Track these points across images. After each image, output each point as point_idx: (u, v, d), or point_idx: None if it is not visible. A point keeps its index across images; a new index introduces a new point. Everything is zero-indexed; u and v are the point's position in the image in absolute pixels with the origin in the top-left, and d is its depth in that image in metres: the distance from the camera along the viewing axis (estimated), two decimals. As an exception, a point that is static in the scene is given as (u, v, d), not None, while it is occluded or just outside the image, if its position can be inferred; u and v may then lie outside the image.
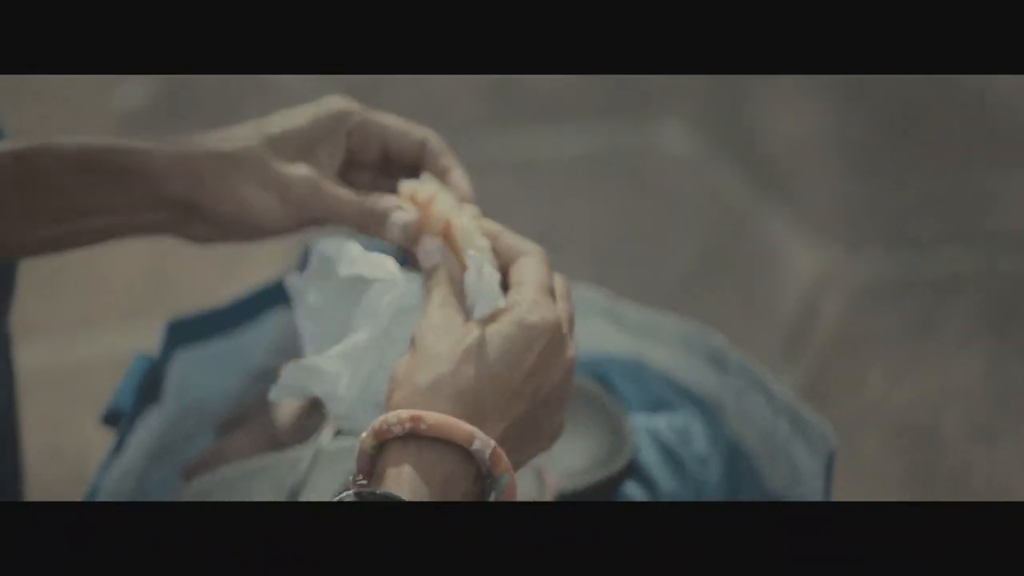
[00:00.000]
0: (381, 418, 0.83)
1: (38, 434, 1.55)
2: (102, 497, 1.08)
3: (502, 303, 0.89)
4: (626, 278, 1.85)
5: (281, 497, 1.02)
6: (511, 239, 0.93)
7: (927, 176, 2.04)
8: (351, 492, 0.80)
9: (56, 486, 1.56)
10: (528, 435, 0.87)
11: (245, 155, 0.94)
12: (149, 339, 1.25)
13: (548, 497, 1.07)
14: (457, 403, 0.84)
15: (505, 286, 0.91)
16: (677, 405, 1.20)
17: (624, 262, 1.90)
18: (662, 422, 1.18)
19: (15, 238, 0.93)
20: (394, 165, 0.99)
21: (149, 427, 1.17)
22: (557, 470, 1.10)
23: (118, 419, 1.15)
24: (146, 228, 0.96)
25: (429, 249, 0.93)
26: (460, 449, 0.83)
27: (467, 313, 0.90)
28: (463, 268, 0.92)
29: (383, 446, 0.84)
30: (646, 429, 1.17)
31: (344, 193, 0.96)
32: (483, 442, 0.82)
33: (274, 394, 0.92)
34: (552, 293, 0.90)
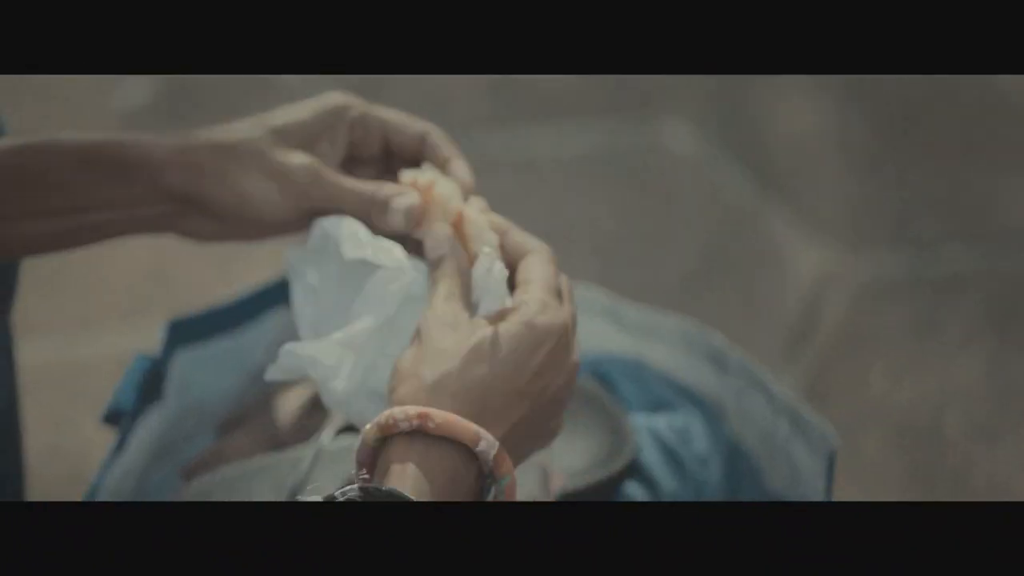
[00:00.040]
0: (387, 412, 0.82)
1: (38, 433, 1.55)
2: (103, 496, 1.08)
3: (509, 302, 0.88)
4: (627, 277, 1.85)
5: (282, 497, 1.02)
6: (518, 236, 0.92)
7: (928, 176, 2.04)
8: (356, 487, 0.80)
9: (56, 485, 1.56)
10: (528, 435, 0.87)
11: (245, 146, 0.94)
12: (149, 338, 1.25)
13: (550, 496, 1.07)
14: (463, 401, 0.83)
15: (510, 283, 0.91)
16: (678, 405, 1.20)
17: (625, 261, 1.89)
18: (662, 422, 1.18)
19: (15, 235, 0.93)
20: (396, 160, 0.99)
21: (150, 427, 1.16)
22: (559, 469, 1.10)
23: (119, 418, 1.15)
24: (146, 224, 0.95)
25: (438, 239, 0.92)
26: (465, 448, 0.83)
27: (471, 307, 0.90)
28: (471, 261, 0.92)
29: (386, 439, 0.83)
30: (647, 429, 1.17)
31: (345, 181, 0.95)
32: (488, 443, 0.82)
33: (270, 374, 0.91)
34: (559, 294, 0.89)
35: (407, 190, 0.95)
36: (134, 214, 0.94)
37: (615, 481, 1.12)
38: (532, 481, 1.06)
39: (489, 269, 0.89)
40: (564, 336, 0.87)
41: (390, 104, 1.01)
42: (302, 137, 0.96)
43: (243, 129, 0.95)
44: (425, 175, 0.96)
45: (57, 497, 1.51)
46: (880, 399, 1.70)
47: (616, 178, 2.04)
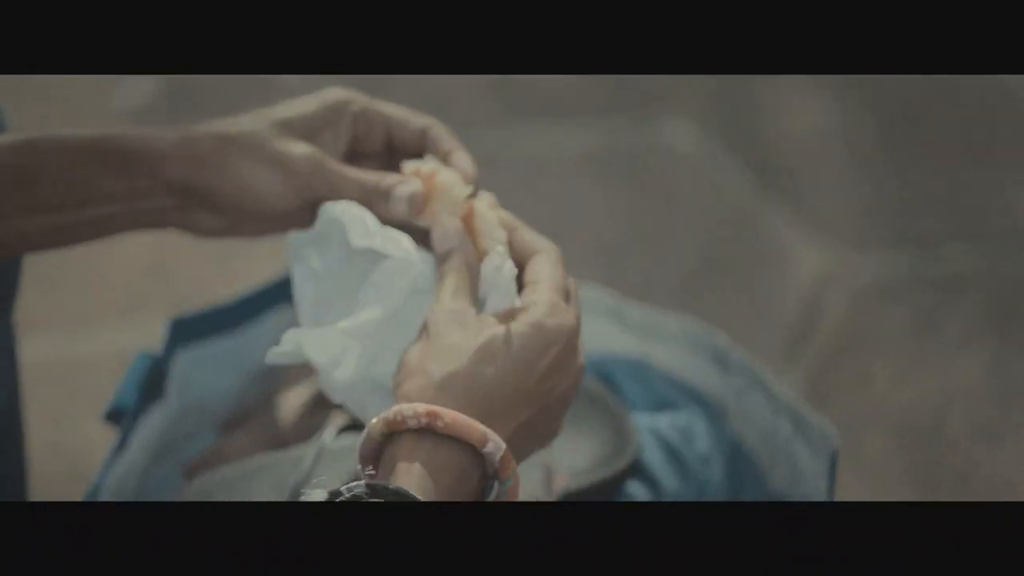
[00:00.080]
0: (395, 408, 0.82)
1: (39, 430, 1.55)
2: (104, 495, 1.08)
3: (517, 302, 0.88)
4: (630, 276, 1.85)
5: (283, 496, 1.02)
6: (527, 235, 0.92)
7: (930, 176, 2.04)
8: (362, 483, 0.80)
9: (58, 483, 1.56)
10: (530, 435, 0.87)
11: (247, 137, 0.94)
12: (150, 336, 1.25)
13: (553, 496, 1.07)
14: (470, 400, 0.83)
15: (517, 282, 0.90)
16: (680, 405, 1.20)
17: (628, 261, 1.89)
18: (665, 422, 1.18)
19: (15, 231, 0.93)
20: (398, 155, 0.99)
21: (151, 425, 1.16)
22: (562, 469, 1.10)
23: (120, 417, 1.15)
24: (147, 218, 0.95)
25: (447, 232, 0.91)
26: (471, 449, 0.82)
27: (478, 304, 0.89)
28: (479, 256, 0.91)
29: (392, 435, 0.83)
30: (649, 428, 1.17)
31: (348, 170, 0.95)
32: (496, 445, 0.82)
33: (270, 357, 0.91)
34: (567, 295, 0.89)
35: (409, 178, 0.95)
36: (135, 208, 0.94)
37: (617, 480, 1.12)
38: (535, 480, 1.06)
39: (499, 267, 0.89)
40: (572, 339, 0.87)
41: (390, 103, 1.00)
42: (305, 130, 0.95)
43: (245, 122, 0.95)
44: (428, 164, 0.96)
45: (58, 495, 1.51)
46: (881, 399, 1.70)
47: (617, 178, 2.04)
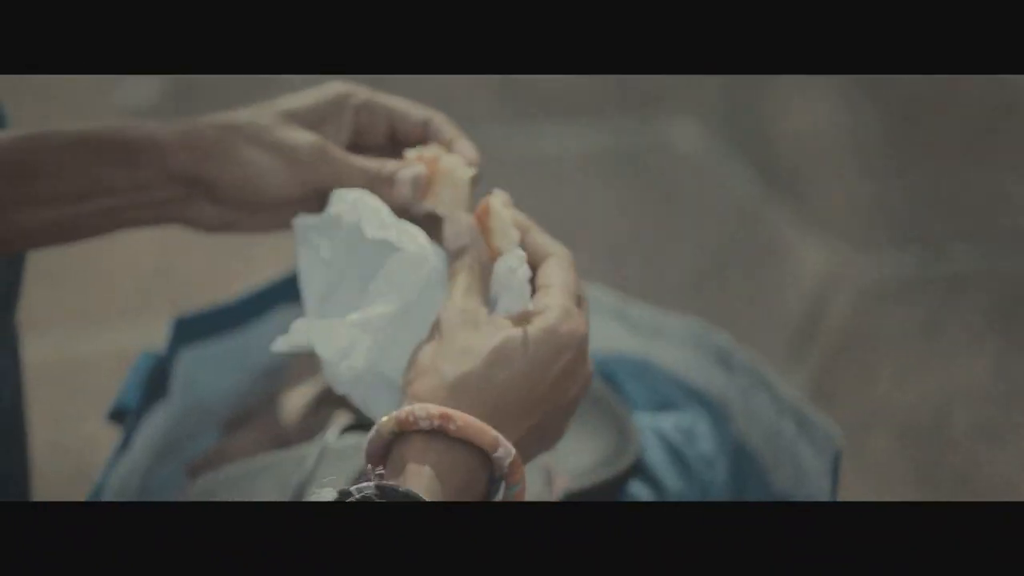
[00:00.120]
0: (408, 408, 0.82)
1: (42, 430, 1.55)
2: (107, 495, 1.08)
3: (530, 305, 0.88)
4: (633, 276, 1.85)
5: (286, 495, 1.02)
6: (539, 237, 0.91)
7: (934, 175, 2.04)
8: (372, 484, 0.79)
9: (61, 482, 1.56)
10: (536, 440, 0.87)
11: (250, 125, 0.94)
12: (154, 334, 1.25)
13: (554, 496, 1.07)
14: (482, 404, 0.83)
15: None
16: (684, 405, 1.20)
17: (632, 260, 1.89)
18: (668, 422, 1.18)
19: (16, 225, 0.93)
20: (400, 148, 0.99)
21: (155, 424, 1.17)
22: (563, 469, 1.10)
23: (124, 416, 1.15)
24: (150, 211, 0.95)
25: (460, 228, 0.91)
26: (481, 453, 0.82)
27: (488, 303, 0.89)
28: (492, 254, 0.91)
29: (401, 434, 0.83)
30: (652, 429, 1.17)
31: (350, 157, 0.95)
32: (506, 451, 0.82)
33: (277, 344, 0.90)
34: (579, 301, 0.89)
35: (412, 162, 0.95)
36: (137, 200, 0.94)
37: (619, 481, 1.12)
38: (536, 482, 1.06)
39: (514, 268, 0.88)
40: (583, 345, 0.86)
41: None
42: (307, 121, 0.96)
43: (248, 113, 0.95)
44: (431, 150, 0.96)
45: (61, 495, 1.51)
46: (885, 399, 1.70)
47: (622, 178, 2.04)
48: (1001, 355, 1.75)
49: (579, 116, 2.14)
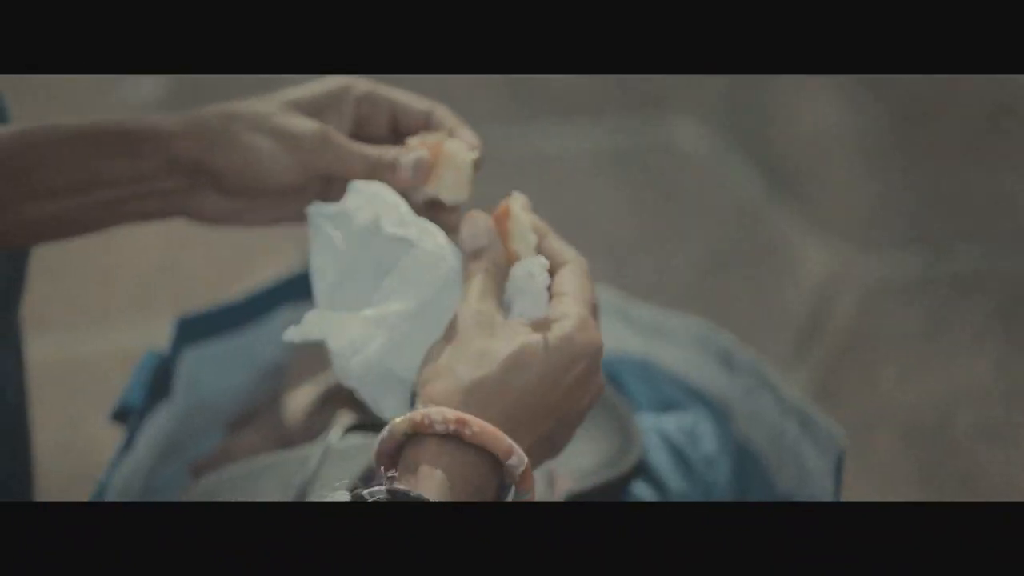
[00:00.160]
0: (423, 411, 0.81)
1: (46, 429, 1.55)
2: (111, 494, 1.08)
3: (545, 312, 0.87)
4: (637, 276, 1.85)
5: (289, 495, 1.02)
6: (556, 243, 0.91)
7: (939, 176, 2.04)
8: (383, 489, 0.79)
9: (64, 482, 1.56)
10: (545, 448, 0.86)
11: (253, 113, 0.94)
12: (160, 334, 1.25)
13: (557, 498, 1.07)
14: (497, 410, 0.83)
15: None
16: (687, 405, 1.20)
17: (635, 260, 1.89)
18: (671, 422, 1.18)
19: (20, 219, 0.93)
20: (403, 140, 0.99)
21: (158, 424, 1.17)
22: (566, 471, 1.10)
23: (127, 416, 1.15)
24: (153, 203, 0.95)
25: (478, 229, 0.90)
26: (493, 459, 0.82)
27: (503, 307, 0.88)
28: (509, 257, 0.90)
29: (414, 435, 0.82)
30: (655, 429, 1.17)
31: (353, 144, 0.95)
32: (519, 459, 0.81)
33: (288, 334, 0.90)
34: (593, 311, 0.88)
35: (415, 148, 0.95)
36: (139, 191, 0.94)
37: (623, 482, 1.12)
38: (538, 483, 1.06)
39: (533, 274, 0.88)
40: (597, 356, 0.86)
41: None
42: (310, 111, 0.96)
43: (251, 102, 0.95)
44: (433, 136, 0.96)
45: (65, 494, 1.51)
46: (889, 399, 1.70)
47: (626, 177, 2.04)
48: (1004, 355, 1.75)
49: (582, 116, 2.14)
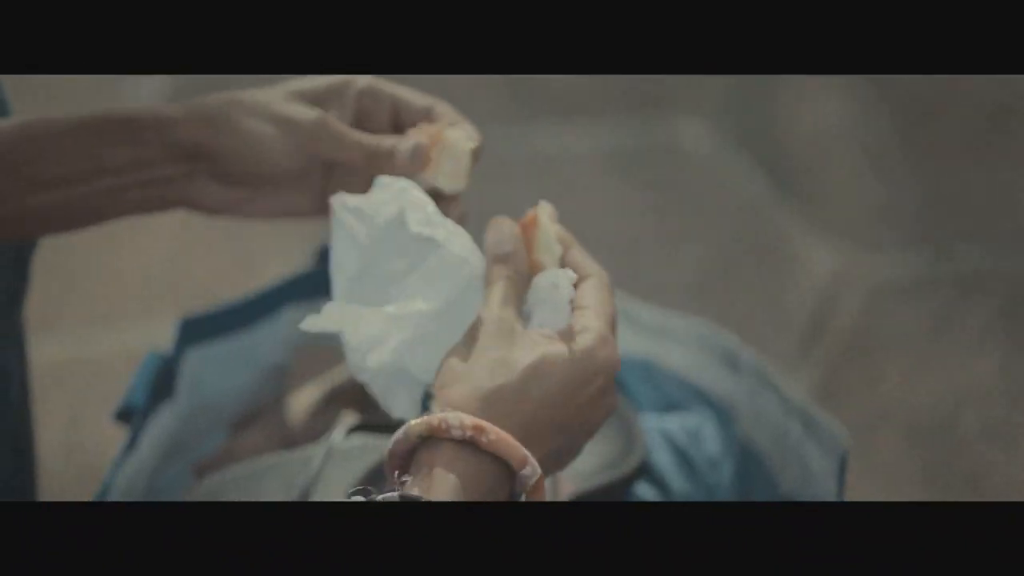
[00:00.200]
0: (440, 415, 0.81)
1: (50, 429, 1.55)
2: (114, 494, 1.08)
3: (565, 324, 0.87)
4: (642, 277, 1.85)
5: (292, 495, 1.02)
6: (579, 256, 0.91)
7: (943, 175, 2.04)
8: (396, 495, 0.79)
9: (68, 482, 1.56)
10: (553, 461, 0.86)
11: (255, 100, 0.95)
12: (164, 334, 1.25)
13: (561, 499, 1.07)
14: (514, 420, 0.82)
15: None
16: (689, 406, 1.20)
17: (640, 261, 1.89)
18: (674, 423, 1.18)
19: (24, 208, 0.93)
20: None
21: (161, 424, 1.17)
22: (568, 472, 1.10)
23: (131, 416, 1.15)
24: (154, 190, 0.95)
25: (503, 235, 0.90)
26: (507, 468, 0.82)
27: (523, 315, 0.88)
28: (532, 266, 0.90)
29: (429, 439, 0.82)
30: (658, 430, 1.17)
31: (352, 132, 0.96)
32: (532, 469, 0.81)
33: (307, 324, 0.89)
34: (613, 326, 0.88)
35: (413, 134, 0.96)
36: (141, 178, 0.94)
37: (626, 483, 1.11)
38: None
39: (557, 285, 0.87)
40: (613, 374, 0.86)
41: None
42: (311, 101, 0.97)
43: (254, 91, 0.96)
44: (434, 125, 0.96)
45: (69, 494, 1.51)
46: (893, 399, 1.70)
47: (630, 178, 2.04)
48: (1008, 355, 1.75)
49: (582, 116, 2.14)
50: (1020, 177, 2.03)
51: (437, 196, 0.96)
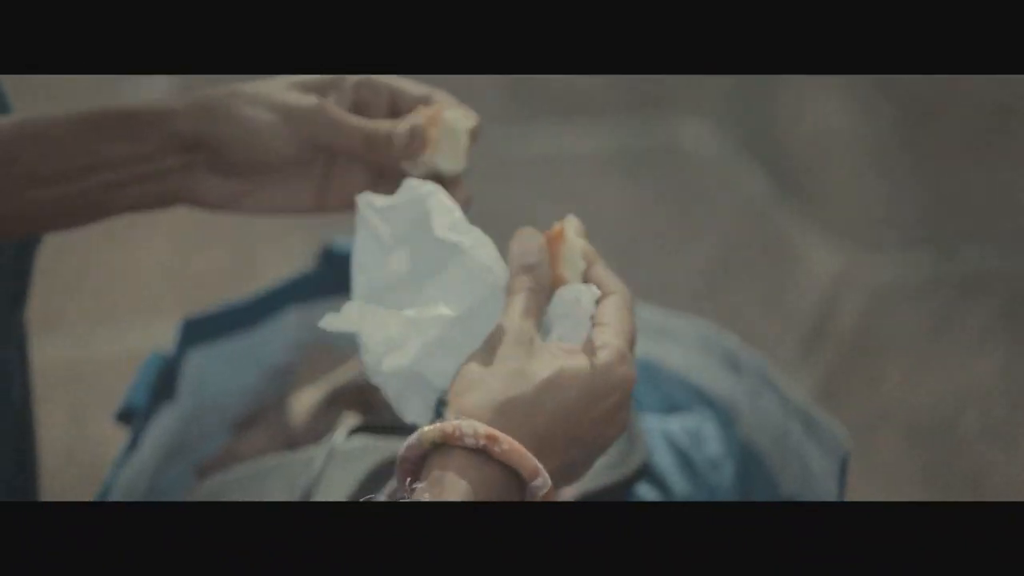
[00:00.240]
0: (455, 423, 0.81)
1: (52, 430, 1.56)
2: (115, 495, 1.08)
3: (584, 339, 0.87)
4: (642, 277, 1.85)
5: (294, 496, 1.02)
6: (602, 271, 0.91)
7: (946, 176, 2.04)
8: (407, 499, 0.79)
9: (70, 482, 1.56)
10: (563, 475, 0.86)
11: (255, 88, 0.96)
12: (164, 335, 1.25)
13: (562, 499, 1.07)
14: (528, 432, 0.82)
15: None
16: (691, 407, 1.20)
17: (642, 261, 1.89)
18: (676, 424, 1.18)
19: (23, 204, 0.93)
20: None
21: (163, 425, 1.17)
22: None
23: (132, 417, 1.15)
24: (154, 185, 0.95)
25: (529, 246, 0.89)
26: (517, 478, 0.82)
27: (542, 328, 0.88)
28: (554, 280, 0.90)
29: (442, 445, 0.82)
30: (660, 431, 1.17)
31: (350, 117, 0.96)
32: (543, 481, 0.81)
33: (326, 322, 0.89)
34: (632, 346, 0.88)
35: (410, 116, 0.96)
36: (140, 172, 0.95)
37: (627, 484, 1.11)
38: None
39: (580, 300, 0.87)
40: (628, 392, 0.86)
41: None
42: (309, 91, 0.97)
43: (253, 82, 0.97)
44: (432, 107, 0.96)
45: (70, 495, 1.51)
46: (894, 399, 1.70)
47: (633, 178, 2.04)
48: (1009, 355, 1.75)
49: (586, 116, 2.14)
50: (1021, 177, 2.03)
51: (439, 179, 0.96)
